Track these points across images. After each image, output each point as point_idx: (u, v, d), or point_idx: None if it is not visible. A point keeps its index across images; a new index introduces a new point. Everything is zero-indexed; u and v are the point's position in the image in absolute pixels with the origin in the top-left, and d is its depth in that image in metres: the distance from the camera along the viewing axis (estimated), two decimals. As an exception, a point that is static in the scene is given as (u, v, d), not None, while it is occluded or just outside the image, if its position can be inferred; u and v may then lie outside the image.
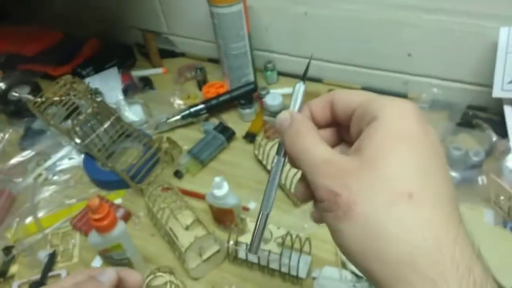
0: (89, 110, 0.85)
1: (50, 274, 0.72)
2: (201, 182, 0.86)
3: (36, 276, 0.71)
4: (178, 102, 1.02)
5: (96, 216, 0.57)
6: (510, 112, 0.81)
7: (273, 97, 0.89)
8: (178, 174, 0.87)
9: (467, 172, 0.77)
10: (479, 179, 0.76)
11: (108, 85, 1.03)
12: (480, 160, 0.77)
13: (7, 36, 1.13)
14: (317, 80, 1.04)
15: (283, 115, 0.34)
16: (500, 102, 0.81)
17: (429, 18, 0.82)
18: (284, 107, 0.91)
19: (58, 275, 0.72)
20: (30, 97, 0.96)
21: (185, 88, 1.08)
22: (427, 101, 0.90)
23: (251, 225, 0.69)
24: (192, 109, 0.96)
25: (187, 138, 0.94)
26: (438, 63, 0.89)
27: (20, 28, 1.17)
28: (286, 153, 0.34)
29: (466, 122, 0.87)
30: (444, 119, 0.87)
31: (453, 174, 0.77)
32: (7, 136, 0.98)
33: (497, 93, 0.80)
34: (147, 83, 1.08)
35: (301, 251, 0.66)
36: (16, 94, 1.00)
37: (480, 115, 0.89)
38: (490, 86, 0.80)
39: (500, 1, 0.75)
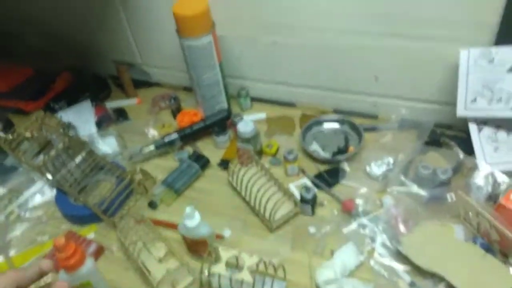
0: (60, 145, 0.84)
1: (20, 315, 0.70)
2: (176, 211, 0.85)
3: (6, 318, 0.69)
4: (152, 133, 1.03)
5: (63, 255, 0.56)
6: (474, 130, 0.83)
7: (245, 124, 0.91)
8: (152, 205, 0.86)
9: (436, 190, 0.79)
10: (448, 196, 0.77)
11: (81, 118, 1.03)
12: (448, 177, 0.79)
13: (-21, 73, 1.13)
14: (290, 105, 1.06)
15: None
16: (465, 120, 0.84)
17: (392, 43, 0.85)
18: (257, 133, 0.92)
19: (29, 316, 0.70)
20: (1, 134, 0.95)
21: (160, 118, 1.09)
22: (396, 122, 0.92)
23: (224, 254, 0.69)
24: (166, 139, 0.97)
25: (162, 167, 0.94)
26: (404, 85, 0.92)
27: (-8, 64, 1.17)
28: None
29: (434, 140, 0.89)
30: (413, 138, 0.89)
31: (422, 192, 0.79)
32: (-22, 174, 0.97)
33: (461, 112, 0.82)
34: (121, 114, 1.09)
35: (274, 277, 0.66)
36: (-13, 132, 0.99)
37: (447, 133, 0.91)
38: (455, 104, 0.82)
39: (459, 25, 0.78)
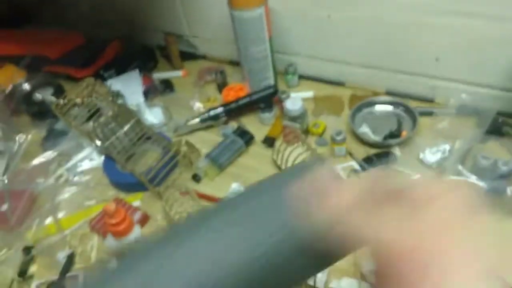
0: (110, 113, 0.85)
1: (68, 275, 0.72)
2: (219, 186, 0.85)
3: (54, 277, 0.72)
4: (198, 105, 1.02)
5: (113, 221, 0.57)
6: (543, 120, 0.77)
7: (293, 101, 0.88)
8: (196, 178, 0.86)
9: (496, 182, 0.74)
10: (508, 189, 0.72)
11: (130, 87, 1.04)
12: (509, 170, 0.73)
13: (32, 39, 1.16)
14: (340, 84, 1.02)
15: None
16: (532, 109, 0.78)
17: (458, 21, 0.79)
18: (304, 111, 0.89)
19: (76, 276, 0.72)
20: (53, 98, 0.98)
21: (205, 91, 1.08)
22: (454, 107, 0.87)
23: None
24: (211, 113, 0.96)
25: (206, 141, 0.93)
26: (466, 68, 0.86)
27: (44, 31, 1.19)
28: None
29: (495, 129, 0.83)
30: (472, 126, 0.84)
31: (480, 184, 0.74)
32: (30, 137, 1.00)
33: (529, 99, 0.76)
34: (167, 85, 1.08)
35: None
36: (40, 96, 1.01)
37: (510, 122, 0.85)
38: (521, 92, 0.76)
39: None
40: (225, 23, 0.97)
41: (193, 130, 0.97)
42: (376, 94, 0.96)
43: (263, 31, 0.90)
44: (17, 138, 1.00)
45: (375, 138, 0.86)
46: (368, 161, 0.83)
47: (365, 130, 0.88)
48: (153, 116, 0.97)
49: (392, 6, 0.83)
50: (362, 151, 0.86)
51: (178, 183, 0.84)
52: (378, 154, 0.84)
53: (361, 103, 0.92)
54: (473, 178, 0.75)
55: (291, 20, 0.97)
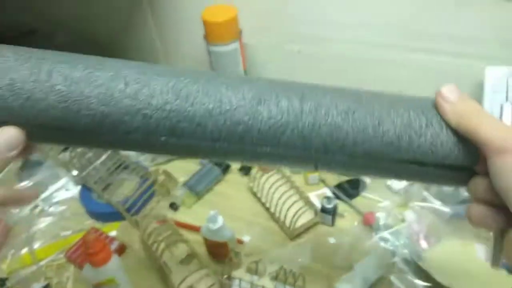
0: (88, 143, 0.86)
1: (43, 307, 0.72)
2: (196, 214, 0.86)
3: (29, 310, 0.71)
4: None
5: (91, 250, 0.57)
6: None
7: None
8: (173, 206, 0.88)
9: (459, 207, 0.78)
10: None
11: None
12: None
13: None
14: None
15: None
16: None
17: (416, 58, 0.85)
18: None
19: (51, 309, 0.72)
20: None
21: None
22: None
23: (245, 259, 0.70)
24: (189, 142, 0.98)
25: (184, 169, 0.95)
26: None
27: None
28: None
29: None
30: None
31: (445, 209, 0.79)
32: (5, 167, 0.99)
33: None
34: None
35: (294, 286, 0.67)
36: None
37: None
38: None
39: (485, 42, 0.78)
40: (200, 57, 1.01)
41: (171, 159, 0.99)
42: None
43: (238, 64, 0.94)
44: (-9, 168, 0.99)
45: (346, 166, 0.90)
46: (340, 188, 0.87)
47: (336, 158, 0.92)
48: (130, 145, 0.98)
49: (356, 43, 0.89)
50: (334, 178, 0.90)
51: (155, 212, 0.85)
52: (349, 181, 0.88)
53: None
54: (437, 204, 0.80)
55: (264, 54, 1.02)
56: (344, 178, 0.89)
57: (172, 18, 1.06)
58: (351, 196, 0.85)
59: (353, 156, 0.37)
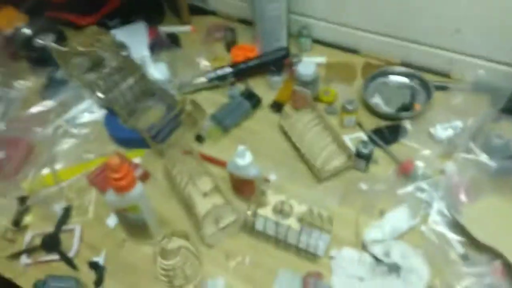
0: (114, 64, 0.81)
1: (64, 228, 0.71)
2: (222, 148, 0.83)
3: (50, 229, 0.71)
4: (204, 64, 0.98)
5: (115, 175, 0.55)
6: (562, 102, 0.74)
7: (306, 65, 0.84)
8: (199, 139, 0.84)
9: (506, 162, 0.72)
10: (519, 171, 0.71)
11: (134, 39, 0.99)
12: (523, 151, 0.72)
13: (35, -19, 1.10)
14: (353, 51, 0.98)
15: None
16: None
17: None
18: (317, 77, 0.86)
19: (72, 230, 0.71)
20: (55, 45, 0.93)
21: (213, 49, 1.03)
22: (470, 83, 0.84)
23: (271, 197, 0.66)
24: (219, 72, 0.92)
25: (211, 101, 0.90)
26: (487, 43, 0.82)
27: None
28: None
29: (510, 109, 0.80)
30: (487, 104, 0.81)
31: (491, 163, 0.72)
32: (29, 84, 0.97)
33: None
34: (174, 40, 1.04)
35: (321, 229, 0.64)
36: (41, 41, 0.97)
37: (527, 102, 0.82)
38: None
39: None
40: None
41: (199, 89, 0.94)
42: (390, 64, 0.93)
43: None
44: (15, 84, 0.96)
45: (387, 109, 0.84)
46: (378, 133, 0.81)
47: (377, 100, 0.85)
48: (158, 71, 0.93)
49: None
50: (372, 122, 0.83)
51: (180, 142, 0.82)
52: (389, 127, 0.81)
53: (376, 72, 0.89)
54: (483, 157, 0.73)
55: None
56: (383, 123, 0.83)
57: None
58: (389, 142, 0.79)
59: None
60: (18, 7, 1.05)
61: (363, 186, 0.74)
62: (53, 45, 0.94)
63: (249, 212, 0.66)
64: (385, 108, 0.84)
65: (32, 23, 1.01)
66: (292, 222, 0.64)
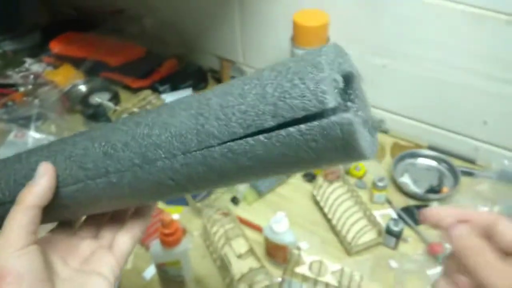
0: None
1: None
2: (255, 212, 0.87)
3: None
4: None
5: (166, 231, 0.59)
6: None
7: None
8: (234, 201, 0.89)
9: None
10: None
11: (181, 103, 1.07)
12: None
13: (95, 44, 1.22)
14: (382, 131, 1.04)
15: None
16: None
17: (509, 91, 0.82)
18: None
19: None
20: (110, 104, 1.02)
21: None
22: (495, 171, 0.88)
23: (306, 258, 0.70)
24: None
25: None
26: (512, 135, 0.88)
27: (108, 39, 1.25)
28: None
29: (536, 200, 0.84)
30: (512, 193, 0.85)
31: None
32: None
33: None
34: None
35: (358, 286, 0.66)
36: (98, 100, 1.06)
37: (552, 195, 0.85)
38: None
39: None
40: (281, 57, 1.01)
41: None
42: (418, 146, 0.98)
43: (320, 71, 0.94)
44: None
45: (416, 189, 0.88)
46: (407, 212, 0.84)
47: (406, 180, 0.90)
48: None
49: (449, 67, 0.86)
50: (401, 201, 0.87)
51: (217, 203, 0.87)
52: (418, 206, 0.85)
53: (404, 153, 0.94)
54: None
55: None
56: (411, 202, 0.86)
57: (259, 17, 1.07)
58: (418, 221, 0.82)
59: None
60: (77, 66, 1.16)
61: (393, 264, 0.76)
62: (109, 103, 1.03)
63: (284, 275, 0.69)
64: (413, 188, 0.88)
65: (88, 81, 1.11)
66: (329, 278, 0.66)
